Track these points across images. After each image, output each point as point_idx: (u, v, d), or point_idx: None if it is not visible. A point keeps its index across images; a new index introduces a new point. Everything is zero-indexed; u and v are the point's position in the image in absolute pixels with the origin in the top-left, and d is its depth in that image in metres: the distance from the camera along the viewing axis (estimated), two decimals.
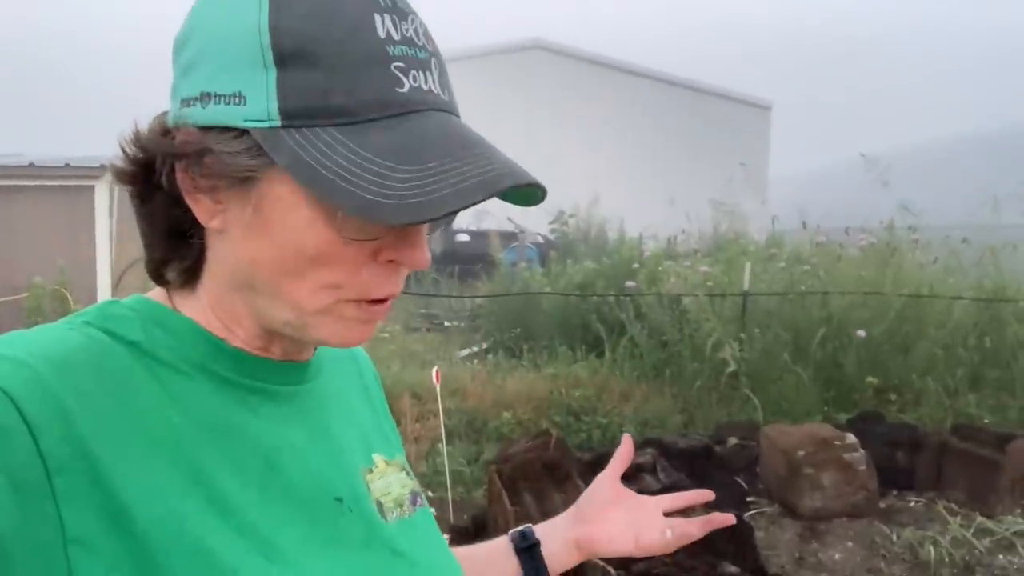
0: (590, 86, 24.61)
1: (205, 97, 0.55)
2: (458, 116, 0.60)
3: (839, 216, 8.45)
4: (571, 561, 0.92)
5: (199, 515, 0.53)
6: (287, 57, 0.53)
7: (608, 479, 0.95)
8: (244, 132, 0.54)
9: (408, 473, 0.76)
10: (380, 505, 0.68)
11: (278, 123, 0.53)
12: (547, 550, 0.91)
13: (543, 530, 0.93)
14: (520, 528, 0.93)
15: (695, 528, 0.92)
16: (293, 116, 0.53)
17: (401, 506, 0.70)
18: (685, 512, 0.97)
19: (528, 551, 0.91)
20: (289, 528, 0.58)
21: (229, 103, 0.54)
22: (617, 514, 0.93)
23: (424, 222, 0.52)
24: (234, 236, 0.58)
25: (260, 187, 0.55)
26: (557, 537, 0.92)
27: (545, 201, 0.64)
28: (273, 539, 0.56)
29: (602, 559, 2.93)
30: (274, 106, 0.53)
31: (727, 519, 0.94)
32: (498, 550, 0.92)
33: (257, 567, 0.54)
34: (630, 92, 26.07)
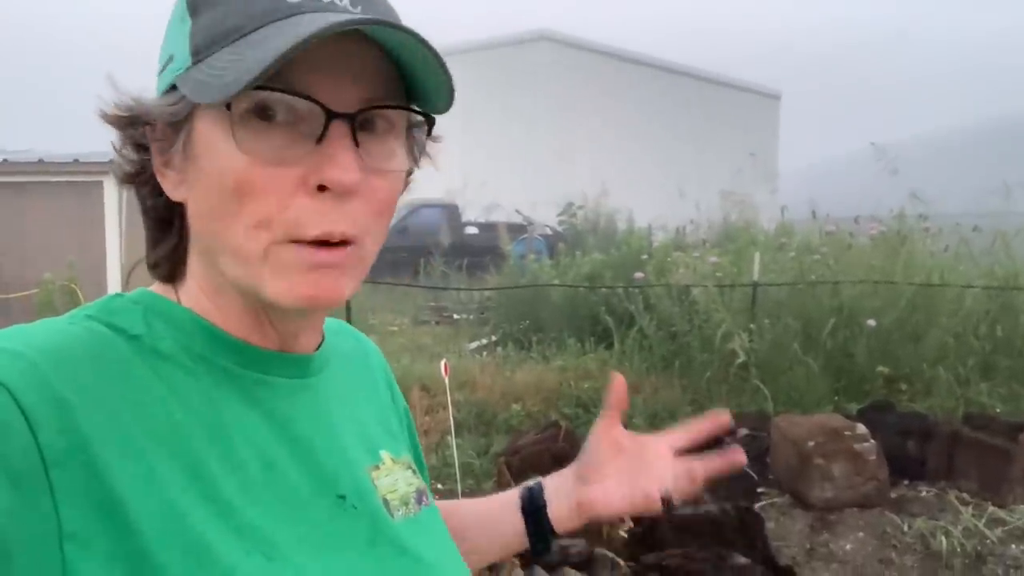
0: (598, 77, 24.54)
1: (159, 75, 0.59)
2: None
3: (849, 205, 8.41)
4: (575, 523, 0.87)
5: (198, 512, 0.52)
6: (198, 5, 0.56)
7: (604, 428, 0.86)
8: (175, 87, 0.57)
9: (415, 471, 0.74)
10: (386, 502, 0.66)
11: (190, 63, 0.55)
12: (552, 510, 0.87)
13: (552, 487, 0.88)
14: (531, 484, 0.89)
15: (699, 469, 0.84)
16: (198, 52, 0.55)
17: (407, 504, 0.68)
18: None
19: (535, 514, 0.87)
20: (290, 526, 0.57)
21: (166, 67, 0.58)
22: (617, 468, 0.85)
23: (249, 84, 0.50)
24: (189, 199, 0.59)
25: (187, 132, 0.57)
26: (563, 497, 0.87)
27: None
28: (273, 537, 0.55)
29: (611, 550, 2.93)
30: (187, 50, 0.56)
31: (736, 457, 0.85)
32: (507, 506, 0.89)
33: (256, 566, 0.53)
34: (638, 83, 25.98)
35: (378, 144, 0.58)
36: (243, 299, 0.60)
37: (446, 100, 0.58)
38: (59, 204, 8.30)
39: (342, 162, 0.54)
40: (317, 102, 0.54)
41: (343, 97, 0.55)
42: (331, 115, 0.54)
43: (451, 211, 15.30)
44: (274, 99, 0.53)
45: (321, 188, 0.55)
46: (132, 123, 0.59)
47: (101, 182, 8.29)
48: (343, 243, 0.57)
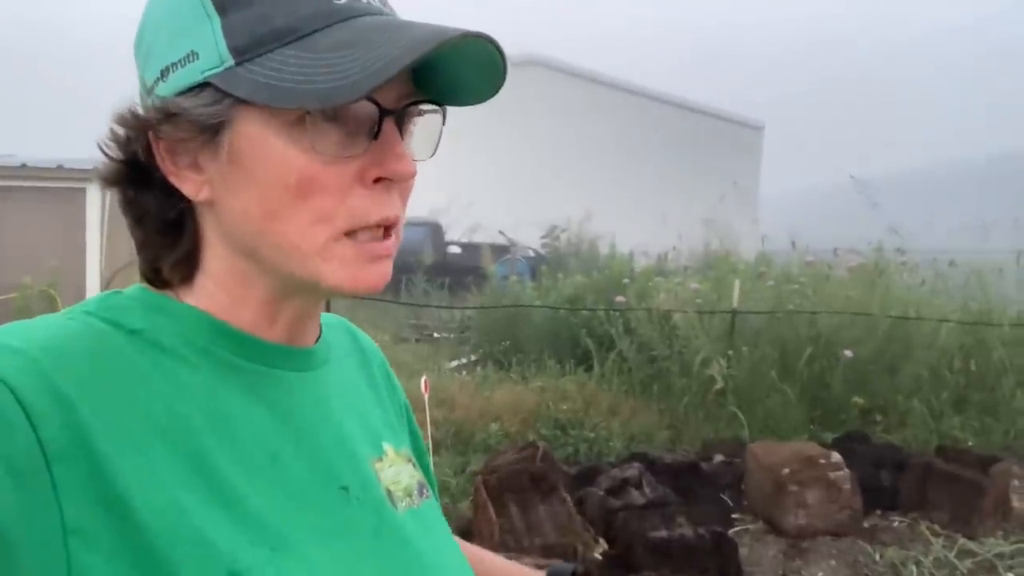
0: (585, 103, 24.72)
1: (165, 72, 0.57)
2: None
3: (828, 237, 8.53)
4: None
5: (201, 506, 0.52)
6: (227, 2, 0.55)
7: None
8: (205, 85, 0.55)
9: (415, 464, 0.75)
10: (390, 494, 0.67)
11: (232, 62, 0.55)
12: None
13: None
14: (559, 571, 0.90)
15: None
16: (244, 51, 0.55)
17: (410, 496, 0.69)
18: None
19: None
20: (295, 517, 0.57)
21: (185, 65, 0.56)
22: None
23: (381, 85, 0.52)
24: (222, 200, 0.58)
25: (229, 135, 0.56)
26: None
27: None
28: (277, 528, 0.55)
29: (586, 573, 2.93)
30: (224, 48, 0.55)
31: None
32: None
33: (259, 557, 0.53)
34: (625, 110, 26.20)
35: (408, 136, 0.61)
36: (271, 291, 0.61)
37: (486, 98, 0.62)
38: (41, 209, 8.23)
39: (403, 155, 0.58)
40: (375, 101, 0.56)
41: (388, 94, 0.57)
42: (384, 112, 0.57)
43: (435, 230, 15.31)
44: None
45: (376, 180, 0.58)
46: (158, 124, 0.57)
47: (84, 188, 8.24)
48: (388, 234, 0.60)
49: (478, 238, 15.48)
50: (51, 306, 6.72)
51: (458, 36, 0.53)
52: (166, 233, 0.61)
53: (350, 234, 0.58)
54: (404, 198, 0.62)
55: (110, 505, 0.49)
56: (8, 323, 0.55)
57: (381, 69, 0.51)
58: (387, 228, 0.60)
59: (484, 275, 10.03)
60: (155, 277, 0.63)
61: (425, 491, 0.73)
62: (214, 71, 0.55)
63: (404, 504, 0.68)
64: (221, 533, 0.52)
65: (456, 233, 16.30)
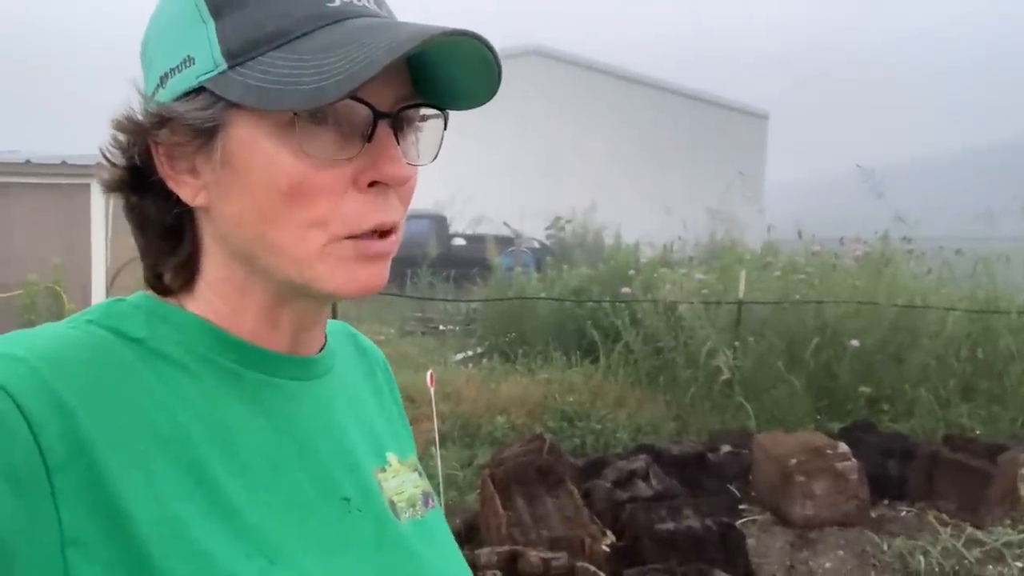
0: (588, 93, 24.65)
1: (164, 78, 0.57)
2: None
3: (834, 226, 8.51)
4: None
5: (199, 517, 0.52)
6: (221, 6, 0.56)
7: None
8: (201, 90, 0.56)
9: (420, 474, 0.75)
10: (393, 505, 0.67)
11: (225, 66, 0.55)
12: None
13: None
14: None
15: None
16: (237, 55, 0.55)
17: (414, 506, 0.69)
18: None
19: None
20: (294, 528, 0.57)
21: (182, 70, 0.56)
22: None
23: (363, 85, 0.51)
24: (217, 205, 0.58)
25: (223, 139, 0.56)
26: None
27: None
28: (276, 540, 0.55)
29: (593, 565, 2.93)
30: (218, 52, 0.55)
31: None
32: None
33: (258, 569, 0.53)
34: (628, 99, 26.12)
35: (406, 139, 0.60)
36: (269, 297, 0.61)
37: (483, 100, 0.60)
38: (45, 206, 8.24)
39: (397, 158, 0.57)
40: (368, 104, 0.55)
41: (384, 97, 0.57)
42: (378, 115, 0.56)
43: (439, 222, 15.31)
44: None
45: (371, 184, 0.57)
46: (154, 129, 0.57)
47: (88, 184, 8.23)
48: (388, 233, 0.59)
49: (482, 230, 15.47)
50: (57, 303, 6.74)
51: (441, 34, 0.52)
52: (166, 239, 0.62)
53: (347, 238, 0.57)
54: (404, 201, 0.61)
55: (108, 515, 0.49)
56: (10, 332, 0.55)
57: (363, 69, 0.51)
58: (383, 233, 0.59)
59: (489, 267, 10.03)
60: (158, 283, 0.63)
61: (431, 501, 0.72)
62: (208, 75, 0.55)
63: (408, 515, 0.67)
64: (219, 545, 0.52)
65: (460, 225, 16.30)
